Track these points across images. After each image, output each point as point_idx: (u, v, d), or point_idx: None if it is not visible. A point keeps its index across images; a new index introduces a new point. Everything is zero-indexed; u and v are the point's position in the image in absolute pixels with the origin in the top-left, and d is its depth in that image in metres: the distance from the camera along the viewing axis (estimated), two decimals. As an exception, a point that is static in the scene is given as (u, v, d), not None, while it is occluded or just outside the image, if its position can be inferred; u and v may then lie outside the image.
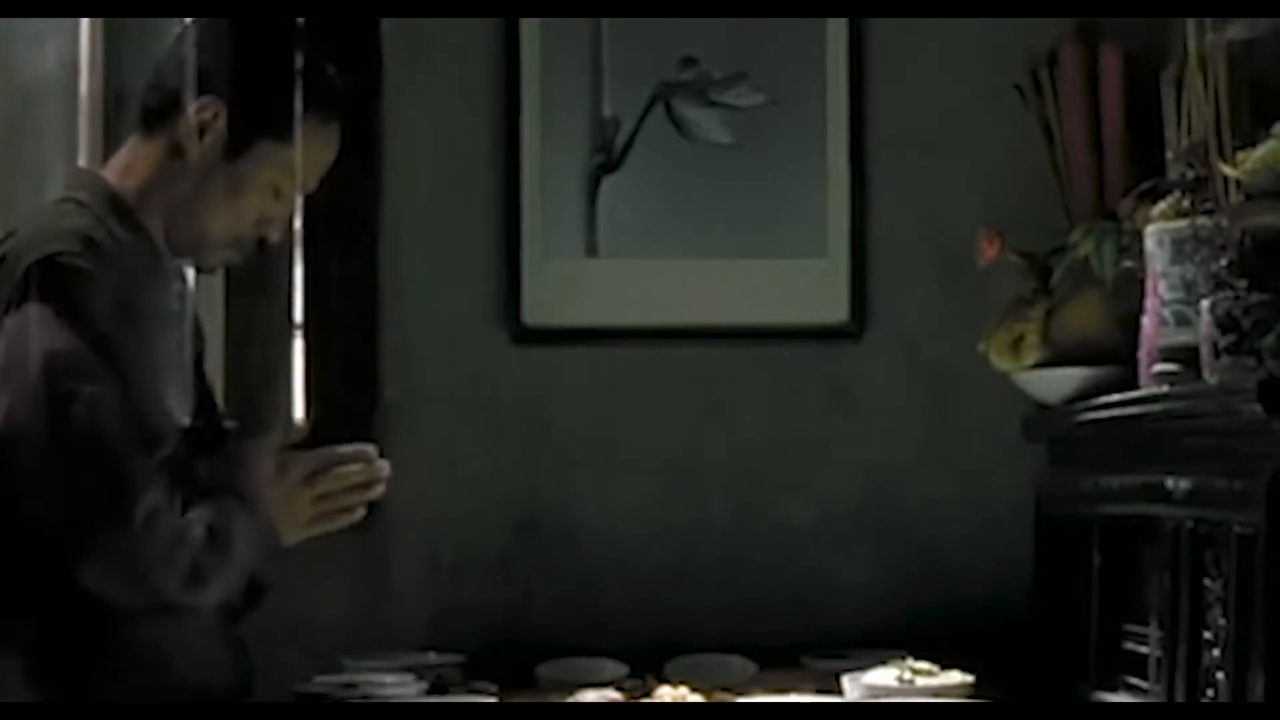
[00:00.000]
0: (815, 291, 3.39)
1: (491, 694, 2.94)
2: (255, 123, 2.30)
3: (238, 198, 2.33)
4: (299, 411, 3.43)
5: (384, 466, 2.42)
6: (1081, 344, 3.02)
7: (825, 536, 3.35)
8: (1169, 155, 2.80)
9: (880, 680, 2.78)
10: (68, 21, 3.46)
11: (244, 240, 2.39)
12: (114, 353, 2.30)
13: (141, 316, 2.32)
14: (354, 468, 2.40)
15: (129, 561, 2.20)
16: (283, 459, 2.38)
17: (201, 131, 2.31)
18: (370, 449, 2.42)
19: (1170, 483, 2.46)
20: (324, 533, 2.44)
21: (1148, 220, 2.66)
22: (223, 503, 2.29)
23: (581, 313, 3.39)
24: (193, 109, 2.32)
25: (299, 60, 2.35)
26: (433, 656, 3.11)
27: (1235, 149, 2.50)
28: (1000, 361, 3.13)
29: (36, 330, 2.25)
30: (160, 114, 2.34)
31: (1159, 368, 2.58)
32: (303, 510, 2.38)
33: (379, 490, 2.42)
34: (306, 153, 2.34)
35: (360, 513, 2.43)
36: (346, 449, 2.41)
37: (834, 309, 3.39)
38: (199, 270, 2.49)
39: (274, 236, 2.40)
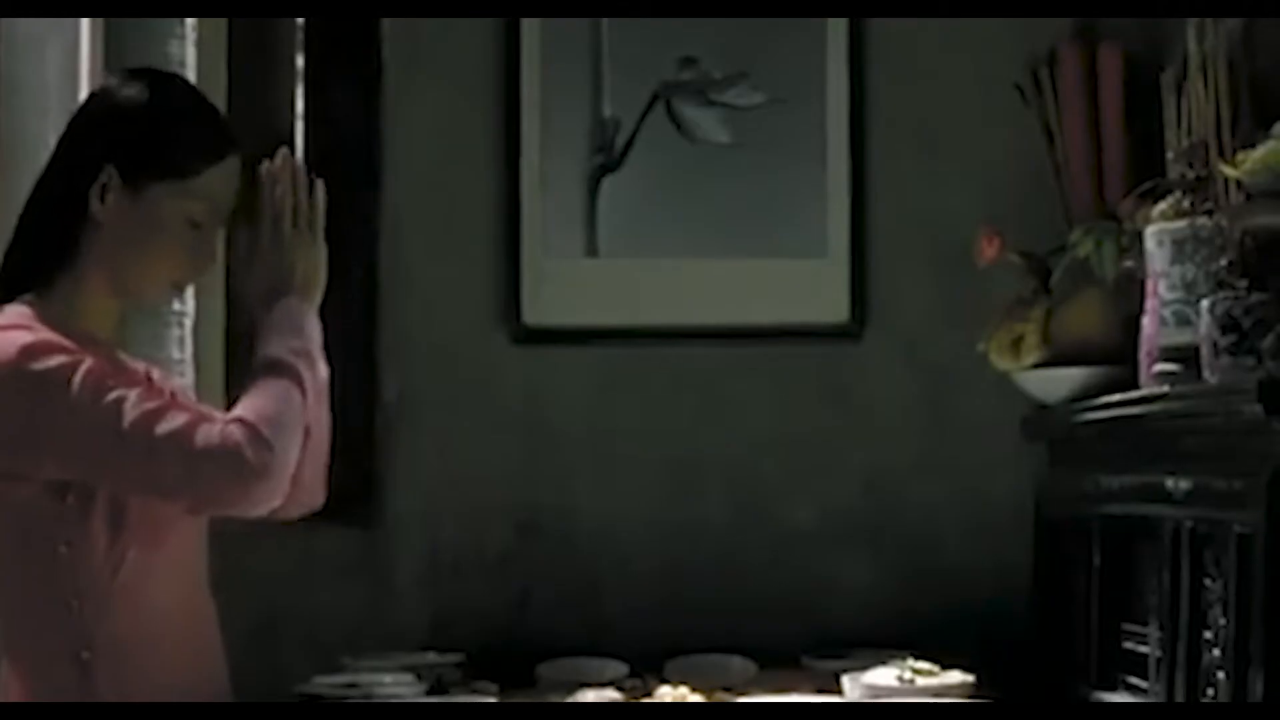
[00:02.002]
0: (815, 291, 3.39)
1: (491, 694, 2.94)
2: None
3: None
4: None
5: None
6: (1081, 344, 3.02)
7: (825, 536, 3.35)
8: (1169, 155, 2.80)
9: (880, 680, 2.78)
10: (68, 22, 3.46)
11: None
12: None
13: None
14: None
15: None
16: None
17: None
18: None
19: (1170, 483, 2.46)
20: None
21: (1148, 220, 2.67)
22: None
23: (581, 313, 3.39)
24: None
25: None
26: (433, 656, 3.10)
27: (1235, 149, 2.50)
28: (1000, 361, 3.13)
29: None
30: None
31: (1159, 368, 2.58)
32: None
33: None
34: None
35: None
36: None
37: (834, 309, 3.39)
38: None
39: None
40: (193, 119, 2.38)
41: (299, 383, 2.31)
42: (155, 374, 2.52)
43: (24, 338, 2.24)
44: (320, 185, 2.41)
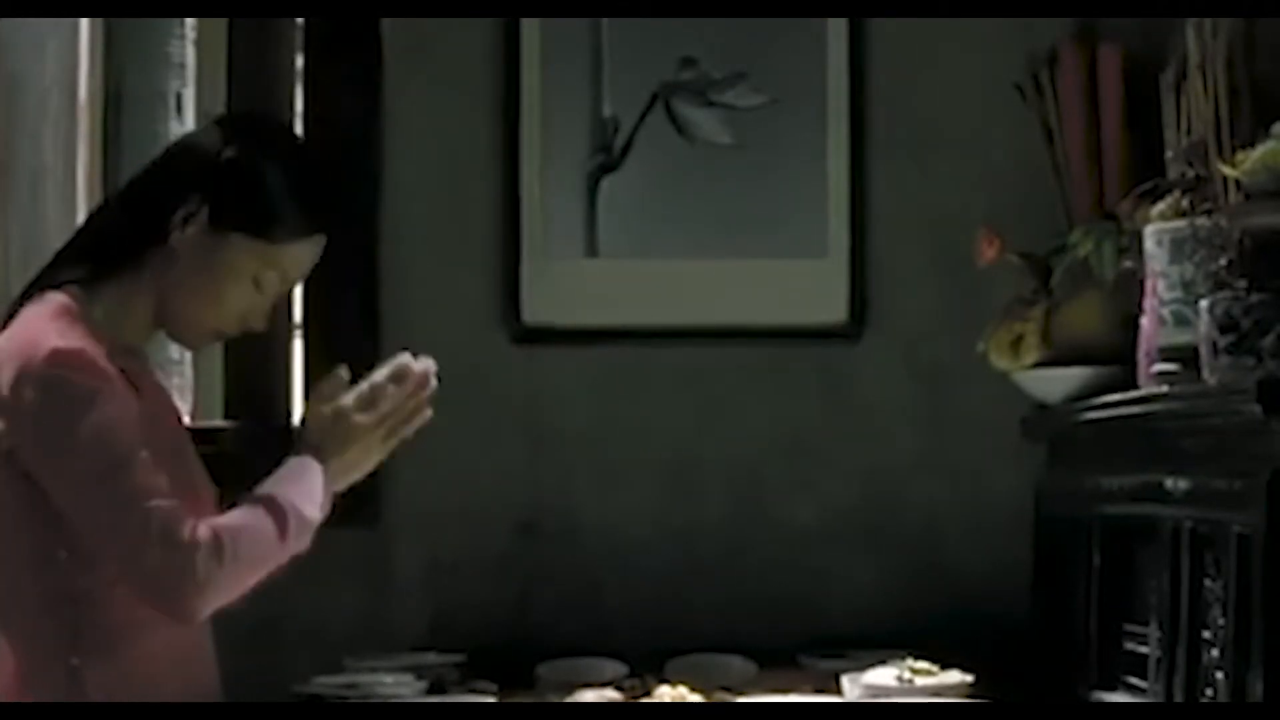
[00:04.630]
0: (815, 291, 3.39)
1: (491, 694, 2.94)
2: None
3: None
4: (299, 411, 3.43)
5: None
6: (1081, 344, 3.02)
7: (825, 536, 3.35)
8: (1169, 155, 2.80)
9: (880, 680, 2.78)
10: (68, 22, 3.46)
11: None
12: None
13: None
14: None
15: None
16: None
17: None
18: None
19: (1170, 483, 2.46)
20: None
21: (1147, 220, 2.66)
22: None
23: (581, 313, 3.38)
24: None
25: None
26: (433, 656, 3.11)
27: (1235, 149, 2.50)
28: (1000, 361, 3.13)
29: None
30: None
31: (1158, 368, 2.58)
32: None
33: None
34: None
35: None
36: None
37: (834, 309, 3.39)
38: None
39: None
40: (298, 192, 2.37)
41: (283, 533, 2.28)
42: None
43: (58, 340, 2.23)
44: (427, 415, 2.40)
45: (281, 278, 2.39)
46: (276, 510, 2.28)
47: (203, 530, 2.21)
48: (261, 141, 2.38)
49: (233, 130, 2.39)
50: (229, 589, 2.25)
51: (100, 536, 2.23)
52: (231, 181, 2.34)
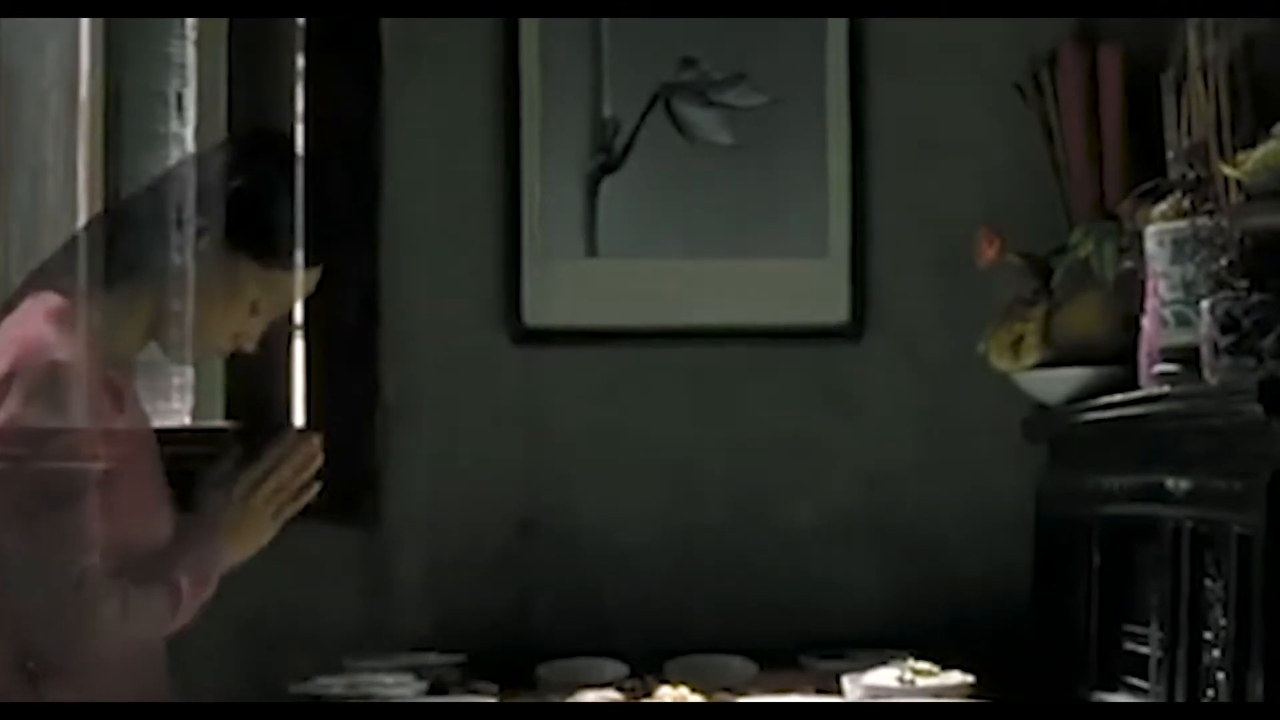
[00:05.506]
0: (815, 291, 3.39)
1: (491, 694, 2.93)
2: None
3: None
4: (299, 411, 3.43)
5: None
6: (1082, 344, 3.02)
7: (825, 537, 3.35)
8: (1169, 156, 2.80)
9: (880, 681, 2.78)
10: (67, 22, 3.46)
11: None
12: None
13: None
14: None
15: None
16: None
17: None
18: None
19: (1170, 483, 2.46)
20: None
21: (1148, 220, 2.67)
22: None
23: (581, 313, 3.38)
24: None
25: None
26: (433, 656, 3.10)
27: (1235, 149, 2.50)
28: (1000, 361, 3.13)
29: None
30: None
31: (1159, 368, 2.58)
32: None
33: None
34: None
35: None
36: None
37: (834, 309, 3.39)
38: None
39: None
40: (302, 225, 2.43)
41: (173, 612, 2.40)
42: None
43: (57, 350, 2.25)
44: (313, 491, 2.53)
45: (275, 303, 2.45)
46: (175, 591, 2.39)
47: (114, 592, 2.29)
48: (272, 171, 2.41)
49: (245, 154, 2.43)
50: (117, 644, 2.34)
51: (22, 557, 2.24)
52: (240, 208, 2.38)
